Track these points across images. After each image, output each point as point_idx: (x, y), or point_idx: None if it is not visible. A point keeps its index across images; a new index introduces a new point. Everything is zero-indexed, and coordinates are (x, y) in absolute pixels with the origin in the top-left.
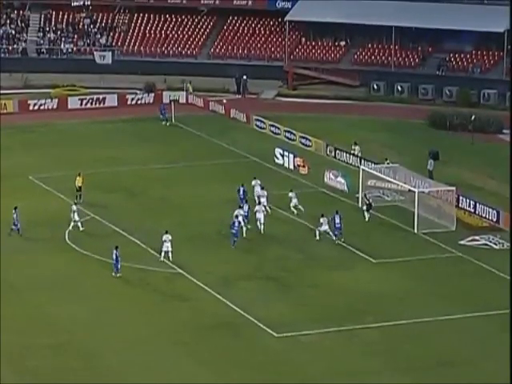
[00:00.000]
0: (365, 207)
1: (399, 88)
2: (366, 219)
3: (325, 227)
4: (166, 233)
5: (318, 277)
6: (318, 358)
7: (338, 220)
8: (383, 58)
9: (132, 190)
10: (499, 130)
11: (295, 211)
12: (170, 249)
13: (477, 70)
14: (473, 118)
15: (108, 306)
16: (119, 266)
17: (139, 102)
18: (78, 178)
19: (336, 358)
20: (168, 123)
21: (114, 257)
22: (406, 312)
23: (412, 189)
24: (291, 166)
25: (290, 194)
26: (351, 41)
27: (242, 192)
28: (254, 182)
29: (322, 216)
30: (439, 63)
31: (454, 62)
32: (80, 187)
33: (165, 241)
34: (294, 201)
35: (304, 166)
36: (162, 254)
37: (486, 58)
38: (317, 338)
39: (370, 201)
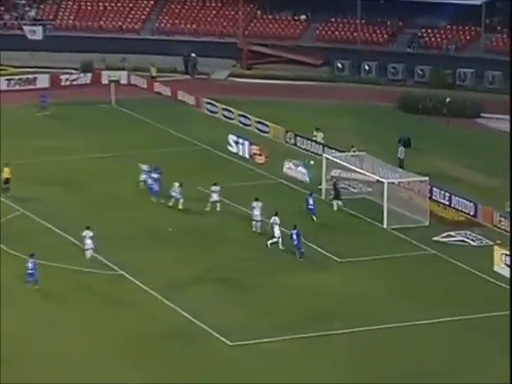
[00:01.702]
0: (331, 195)
1: (366, 67)
2: (335, 208)
3: (256, 212)
4: (87, 228)
5: (277, 279)
6: (279, 368)
7: (295, 237)
8: (348, 34)
9: (70, 182)
10: (477, 114)
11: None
12: (91, 246)
13: (452, 47)
14: (448, 100)
15: (42, 315)
16: (37, 278)
17: (75, 82)
18: (5, 169)
19: (298, 369)
20: (44, 113)
21: (30, 266)
22: (377, 317)
23: (381, 179)
24: (246, 155)
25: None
26: (313, 15)
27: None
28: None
29: (256, 200)
30: (410, 40)
31: (427, 39)
32: (8, 179)
33: (85, 237)
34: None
35: (261, 155)
36: (87, 252)
37: (462, 33)
38: (277, 346)
39: (338, 187)
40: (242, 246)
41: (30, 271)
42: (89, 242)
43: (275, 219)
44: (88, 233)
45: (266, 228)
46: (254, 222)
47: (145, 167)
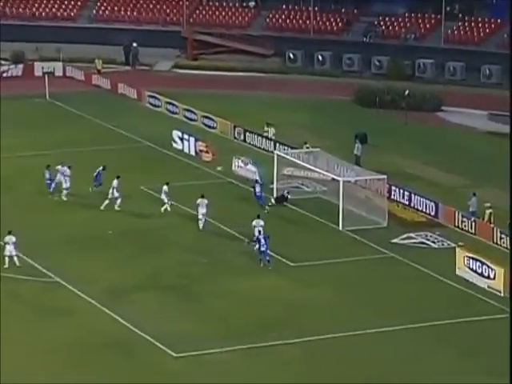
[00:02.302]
0: (273, 200)
1: (320, 58)
2: (266, 211)
3: (202, 210)
4: (9, 233)
5: (225, 285)
6: (226, 381)
7: (263, 241)
8: (300, 22)
9: (2, 183)
10: (437, 108)
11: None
12: (13, 253)
13: (411, 36)
14: (406, 93)
15: None
16: None
17: (5, 75)
18: None
19: (247, 382)
20: None
21: None
22: (331, 324)
23: (336, 178)
24: (192, 152)
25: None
26: (262, 2)
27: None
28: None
29: (202, 197)
30: (366, 29)
31: (384, 27)
32: None
33: (7, 243)
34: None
35: (208, 152)
36: (6, 259)
37: (421, 22)
38: (224, 357)
39: (285, 192)
40: (187, 250)
41: None
42: (10, 249)
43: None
44: (11, 238)
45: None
46: (199, 221)
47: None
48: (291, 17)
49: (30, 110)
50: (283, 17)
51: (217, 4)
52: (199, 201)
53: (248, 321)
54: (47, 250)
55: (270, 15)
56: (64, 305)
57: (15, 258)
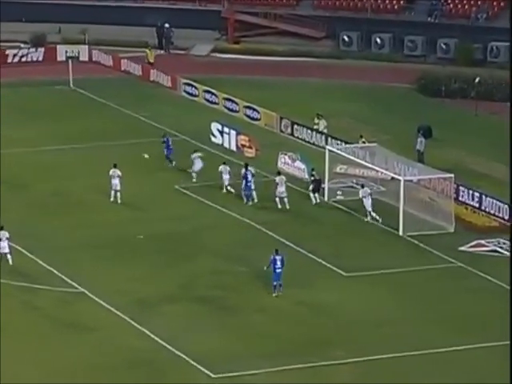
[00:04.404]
0: (311, 187)
1: (378, 41)
2: (313, 202)
3: (226, 176)
4: (1, 229)
5: (266, 297)
6: None
7: (279, 263)
8: (356, 0)
9: (15, 181)
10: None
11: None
12: (6, 250)
13: (482, 15)
14: (477, 80)
15: None
16: None
17: (24, 59)
18: None
19: None
20: None
21: None
22: (389, 342)
23: (396, 176)
24: (233, 147)
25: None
26: None
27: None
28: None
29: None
30: (431, 7)
31: (452, 6)
32: None
33: (0, 240)
34: (281, 189)
35: (250, 147)
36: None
37: None
38: (266, 378)
39: (317, 177)
40: (224, 257)
41: None
42: (3, 245)
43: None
44: (4, 233)
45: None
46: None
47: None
48: None
49: (50, 99)
50: None
51: None
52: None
53: (292, 338)
54: (68, 255)
55: None
56: (87, 318)
57: (9, 256)
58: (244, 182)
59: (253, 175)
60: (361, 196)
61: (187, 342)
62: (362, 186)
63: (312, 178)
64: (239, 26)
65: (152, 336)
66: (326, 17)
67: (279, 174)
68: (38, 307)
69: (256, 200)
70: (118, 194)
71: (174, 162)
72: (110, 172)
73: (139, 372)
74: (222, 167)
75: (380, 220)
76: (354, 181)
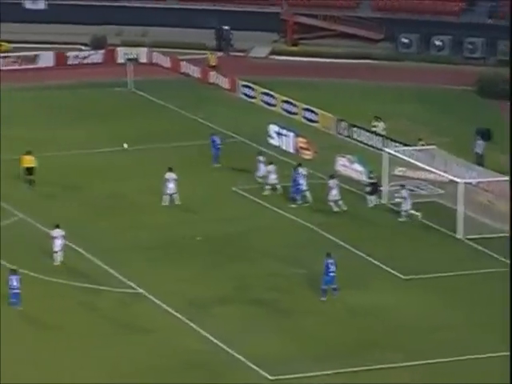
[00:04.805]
0: (368, 189)
1: (437, 43)
2: (370, 205)
3: (273, 176)
4: (57, 227)
5: (323, 300)
6: None
7: (332, 267)
8: (415, 2)
9: (73, 182)
10: None
11: (335, 207)
12: (61, 248)
13: None
14: None
15: (39, 342)
16: (19, 299)
17: (84, 61)
18: (25, 157)
19: None
20: None
21: (15, 283)
22: (443, 348)
23: (455, 179)
24: (291, 149)
25: (330, 183)
26: None
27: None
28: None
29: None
30: (491, 8)
31: None
32: (31, 169)
33: (55, 237)
34: (334, 193)
35: (308, 149)
36: (55, 255)
37: None
38: (322, 381)
39: (375, 179)
40: (281, 259)
41: (14, 290)
42: (59, 244)
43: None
44: (59, 232)
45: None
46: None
47: None
48: None
49: (109, 101)
50: None
51: None
52: (270, 167)
53: (346, 341)
54: (123, 257)
55: None
56: (145, 320)
57: (60, 253)
58: (293, 183)
59: (304, 176)
60: (402, 196)
61: (243, 343)
62: (402, 187)
63: (369, 181)
64: (298, 28)
65: (209, 337)
66: (385, 19)
67: (332, 177)
68: (98, 308)
69: (310, 201)
70: (175, 196)
71: (217, 164)
72: (166, 176)
73: (196, 373)
74: (270, 167)
75: (419, 215)
76: (413, 183)
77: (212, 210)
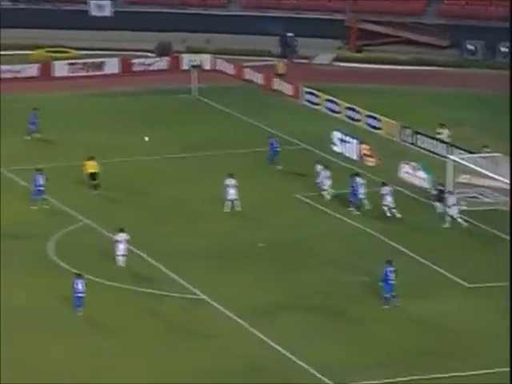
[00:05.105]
0: (434, 196)
1: (503, 49)
2: (438, 211)
3: (327, 181)
4: (121, 231)
5: (385, 307)
6: None
7: (391, 275)
8: (481, 8)
9: (136, 187)
10: None
11: (388, 213)
12: (124, 252)
13: None
14: None
15: (103, 346)
16: (82, 303)
17: (149, 68)
18: (87, 162)
19: None
20: (31, 136)
21: (80, 287)
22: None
23: None
24: (354, 156)
25: (383, 190)
26: None
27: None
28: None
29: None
30: None
31: None
32: (94, 174)
33: (119, 241)
34: (389, 199)
35: (372, 156)
36: (118, 258)
37: None
38: None
39: (441, 187)
40: (342, 267)
41: (79, 294)
42: (122, 248)
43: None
44: (123, 236)
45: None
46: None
47: None
48: (470, 2)
49: (174, 107)
50: (461, 2)
51: None
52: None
53: (411, 348)
54: (186, 262)
55: (446, 1)
56: (207, 325)
57: (123, 258)
58: (351, 190)
59: (362, 185)
60: (450, 204)
61: (305, 350)
62: (451, 194)
63: (436, 188)
64: (362, 35)
65: (270, 343)
66: (451, 25)
67: (385, 184)
68: (160, 313)
69: (368, 207)
70: (236, 202)
71: (279, 167)
72: (226, 182)
73: (258, 379)
74: (325, 172)
75: (465, 224)
76: (478, 191)
77: (274, 217)
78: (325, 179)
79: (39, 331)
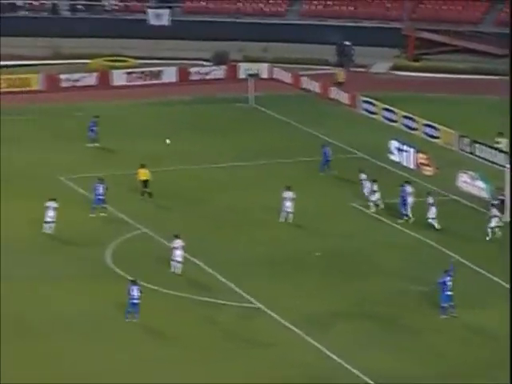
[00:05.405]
0: (495, 206)
1: None
2: (497, 221)
3: (376, 195)
4: (177, 237)
5: (440, 317)
6: None
7: (449, 285)
8: None
9: (193, 196)
10: None
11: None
12: (180, 259)
13: None
14: None
15: (160, 354)
16: (138, 309)
17: (206, 77)
18: (140, 170)
19: None
20: (94, 144)
21: (135, 294)
22: None
23: None
24: (411, 165)
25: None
26: None
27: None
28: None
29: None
30: None
31: None
32: (146, 181)
33: (175, 248)
34: (432, 210)
35: (429, 165)
36: (172, 264)
37: None
38: None
39: (503, 197)
40: (399, 276)
41: (134, 301)
42: (179, 254)
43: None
44: (179, 242)
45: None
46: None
47: None
48: None
49: (230, 116)
50: None
51: None
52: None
53: (470, 359)
54: (242, 271)
55: (505, 8)
56: (264, 334)
57: (179, 265)
58: (401, 199)
59: (411, 194)
60: (493, 214)
61: (361, 359)
62: (493, 206)
63: (499, 197)
64: (420, 44)
65: (326, 352)
66: (509, 34)
67: (430, 194)
68: (217, 322)
69: (412, 218)
70: (290, 215)
71: (331, 171)
72: (284, 194)
73: None
74: (373, 185)
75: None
76: None
77: (330, 225)
78: (371, 192)
79: (95, 338)
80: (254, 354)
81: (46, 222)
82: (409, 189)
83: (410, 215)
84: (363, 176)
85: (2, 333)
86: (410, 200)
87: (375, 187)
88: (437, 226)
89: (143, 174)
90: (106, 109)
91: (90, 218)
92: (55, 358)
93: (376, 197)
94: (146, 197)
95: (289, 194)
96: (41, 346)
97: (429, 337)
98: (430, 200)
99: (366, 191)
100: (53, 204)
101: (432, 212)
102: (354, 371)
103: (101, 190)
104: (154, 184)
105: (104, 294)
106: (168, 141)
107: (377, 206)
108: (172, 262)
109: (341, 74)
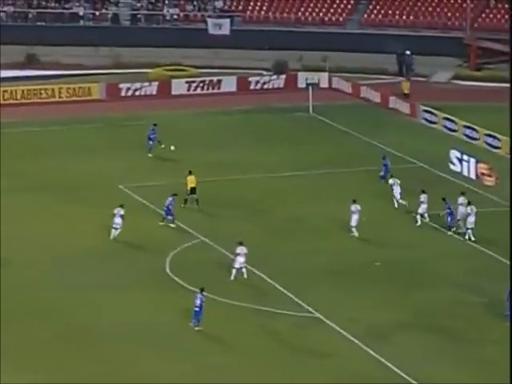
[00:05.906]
0: None
1: None
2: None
3: (397, 189)
4: (241, 244)
5: (504, 328)
6: None
7: None
8: None
9: (253, 205)
10: None
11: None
12: (243, 265)
13: None
14: None
15: (218, 363)
16: (200, 317)
17: (266, 86)
18: (188, 177)
19: None
20: (151, 154)
21: (198, 303)
22: None
23: None
24: (472, 175)
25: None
26: None
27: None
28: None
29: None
30: None
31: None
32: (193, 188)
33: (238, 254)
34: (472, 219)
35: (490, 176)
36: (233, 271)
37: None
38: None
39: None
40: (461, 286)
41: (196, 309)
42: (241, 261)
43: None
44: (242, 249)
45: None
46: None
47: None
48: None
49: (290, 126)
50: None
51: (506, 6)
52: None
53: None
54: (302, 281)
55: None
56: (322, 344)
57: (244, 270)
58: (448, 211)
59: (463, 205)
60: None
61: (422, 370)
62: (469, 203)
63: None
64: (482, 53)
65: (387, 363)
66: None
67: (470, 203)
68: (276, 331)
69: (458, 230)
70: (353, 229)
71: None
72: (352, 208)
73: None
74: (422, 196)
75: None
76: None
77: (389, 235)
78: (419, 203)
79: (155, 346)
80: (313, 363)
81: (115, 228)
82: (461, 200)
83: (456, 227)
84: (391, 181)
85: (68, 341)
86: (462, 211)
87: (422, 198)
88: (472, 237)
89: (191, 180)
90: (166, 118)
91: (149, 226)
92: (119, 366)
93: (422, 208)
94: (191, 204)
95: (356, 207)
96: (105, 355)
97: (490, 348)
98: (469, 210)
99: (396, 195)
100: (120, 211)
101: (470, 222)
102: (414, 383)
103: (171, 202)
104: (214, 193)
105: (164, 302)
106: (173, 147)
107: (422, 217)
108: (233, 270)
109: (406, 84)
